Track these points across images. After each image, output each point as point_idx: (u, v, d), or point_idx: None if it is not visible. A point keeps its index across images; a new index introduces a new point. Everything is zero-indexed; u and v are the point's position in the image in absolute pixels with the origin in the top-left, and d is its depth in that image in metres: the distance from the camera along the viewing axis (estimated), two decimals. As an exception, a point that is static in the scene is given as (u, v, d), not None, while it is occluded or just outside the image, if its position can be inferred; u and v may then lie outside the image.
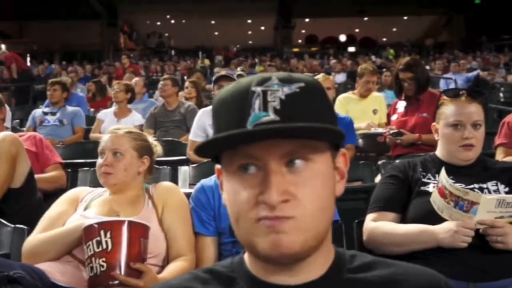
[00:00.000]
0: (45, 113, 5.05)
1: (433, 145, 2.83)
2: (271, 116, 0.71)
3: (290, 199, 0.72)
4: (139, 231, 1.67)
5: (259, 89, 0.73)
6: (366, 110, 4.48)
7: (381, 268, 0.80)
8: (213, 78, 3.99)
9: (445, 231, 1.69)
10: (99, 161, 2.00)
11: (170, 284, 0.82)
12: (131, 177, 2.00)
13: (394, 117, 3.67)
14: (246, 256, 0.82)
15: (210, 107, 3.77)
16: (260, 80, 0.74)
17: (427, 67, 10.63)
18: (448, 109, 1.96)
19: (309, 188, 0.73)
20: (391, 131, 3.45)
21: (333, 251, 0.81)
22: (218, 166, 0.82)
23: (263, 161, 0.72)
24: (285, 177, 0.72)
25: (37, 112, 5.20)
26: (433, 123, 2.05)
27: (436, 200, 1.76)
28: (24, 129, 4.96)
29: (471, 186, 1.86)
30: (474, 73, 9.15)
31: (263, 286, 0.77)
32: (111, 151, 1.98)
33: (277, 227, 0.71)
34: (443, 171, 1.76)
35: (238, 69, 10.19)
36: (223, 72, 4.47)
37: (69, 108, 5.16)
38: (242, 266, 0.81)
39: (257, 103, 0.72)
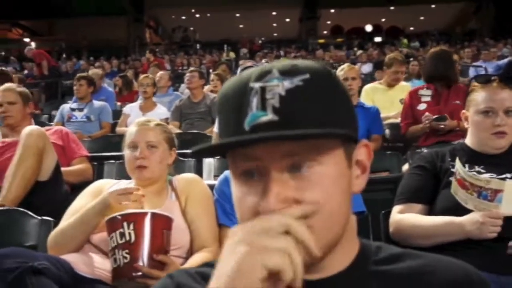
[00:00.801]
0: (73, 109, 5.10)
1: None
2: (269, 115, 0.66)
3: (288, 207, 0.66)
4: (162, 223, 1.66)
5: (257, 86, 0.67)
6: (394, 99, 4.42)
7: (408, 259, 0.76)
8: (239, 69, 3.98)
9: (472, 222, 1.64)
10: (130, 154, 1.97)
11: (197, 269, 0.80)
12: (164, 169, 1.99)
13: (421, 106, 3.58)
14: None
15: None
16: (259, 74, 0.68)
17: (455, 56, 10.41)
18: (479, 96, 1.89)
19: (318, 192, 0.67)
20: (434, 116, 3.36)
21: (358, 243, 0.78)
22: None
23: (263, 162, 0.67)
24: (287, 184, 0.67)
25: (65, 107, 5.24)
26: (463, 111, 1.98)
27: (458, 192, 1.71)
28: (53, 123, 5.04)
29: (503, 176, 1.79)
30: (505, 60, 8.89)
31: None
32: (145, 144, 1.97)
33: None
34: (458, 162, 1.70)
35: (263, 61, 10.15)
36: (249, 63, 4.45)
37: (96, 104, 5.19)
38: None
39: (255, 101, 0.67)
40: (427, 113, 3.42)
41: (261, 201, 0.66)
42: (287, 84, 0.67)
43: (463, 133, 3.13)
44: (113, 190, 1.83)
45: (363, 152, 0.76)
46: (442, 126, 3.33)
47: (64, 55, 18.98)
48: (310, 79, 0.68)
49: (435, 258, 0.78)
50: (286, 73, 0.68)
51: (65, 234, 1.81)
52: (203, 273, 0.77)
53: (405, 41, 18.99)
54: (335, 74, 0.72)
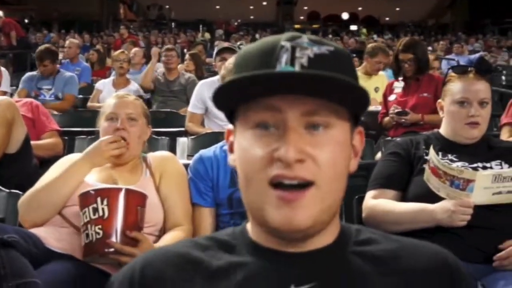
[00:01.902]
0: (40, 88, 4.69)
1: (435, 126, 2.80)
2: (297, 71, 0.68)
3: (306, 160, 0.69)
4: (136, 200, 1.64)
5: (288, 44, 0.70)
6: (370, 88, 4.45)
7: (387, 242, 0.78)
8: (215, 50, 3.93)
9: (443, 210, 1.68)
10: (108, 126, 1.91)
11: (169, 248, 0.80)
12: (140, 145, 1.96)
13: (392, 97, 3.62)
14: (248, 226, 0.80)
15: (210, 79, 3.73)
16: (290, 36, 0.72)
17: (429, 48, 10.56)
18: (455, 86, 1.92)
19: (328, 152, 0.70)
20: (396, 110, 3.41)
21: (339, 225, 0.79)
22: (229, 127, 0.79)
23: (283, 115, 0.69)
24: (303, 137, 0.69)
25: (33, 79, 4.74)
26: (439, 100, 2.00)
27: (430, 180, 1.74)
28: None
29: (475, 165, 1.83)
30: (477, 55, 9.08)
31: (265, 252, 0.75)
32: (125, 116, 1.92)
33: (292, 201, 0.69)
34: (431, 151, 1.73)
35: (238, 43, 10.08)
36: (226, 44, 4.41)
37: (62, 78, 4.71)
38: (244, 234, 0.79)
39: (284, 57, 0.69)
40: (393, 106, 3.47)
41: (280, 150, 0.68)
42: (316, 49, 0.70)
43: (429, 126, 3.19)
44: (102, 139, 1.83)
45: (357, 138, 0.79)
46: (403, 120, 3.39)
47: (33, 26, 18.39)
48: (335, 51, 0.72)
49: (413, 242, 0.80)
50: (315, 41, 0.71)
51: (40, 196, 1.76)
52: (171, 254, 0.77)
53: (364, 31, 19.14)
54: (351, 57, 0.77)
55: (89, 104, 4.93)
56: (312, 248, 0.74)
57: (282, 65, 0.69)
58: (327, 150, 0.70)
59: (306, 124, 0.70)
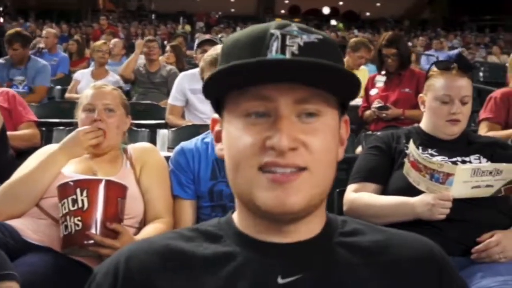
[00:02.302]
0: (11, 80, 4.45)
1: (415, 121, 2.83)
2: (289, 58, 0.68)
3: (299, 148, 0.69)
4: (116, 191, 1.62)
5: (278, 32, 0.70)
6: None
7: (372, 233, 0.78)
8: (197, 42, 3.90)
9: (423, 204, 1.69)
10: (85, 117, 1.89)
11: (154, 240, 0.78)
12: (119, 136, 1.93)
13: (373, 92, 3.64)
14: (234, 216, 0.79)
15: (190, 71, 3.71)
16: (280, 24, 0.71)
17: (409, 43, 10.66)
18: (437, 82, 1.93)
19: (321, 139, 0.70)
20: (377, 105, 3.43)
21: (325, 216, 0.79)
22: (215, 116, 0.78)
23: (274, 103, 0.69)
24: (295, 125, 0.69)
25: (1, 65, 4.48)
26: (420, 94, 2.02)
27: (410, 173, 1.75)
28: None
29: (454, 159, 1.85)
30: (455, 51, 9.18)
31: (251, 242, 0.74)
32: (102, 106, 1.89)
33: (285, 183, 0.68)
34: (411, 145, 1.75)
35: (219, 36, 10.03)
36: (208, 36, 4.38)
37: (34, 68, 4.46)
38: (230, 224, 0.78)
39: (275, 45, 0.69)
40: (376, 100, 3.49)
41: (273, 138, 0.68)
42: (305, 37, 0.70)
43: (410, 121, 3.23)
44: (79, 129, 1.81)
45: (343, 126, 0.79)
46: (384, 114, 3.41)
47: (8, 15, 17.98)
48: (323, 39, 0.72)
49: (398, 233, 0.80)
50: (303, 30, 0.72)
51: (16, 187, 1.73)
52: (156, 246, 0.76)
53: (340, 25, 19.23)
54: (338, 45, 0.76)
55: (67, 95, 4.85)
56: (299, 239, 0.74)
57: (273, 53, 0.68)
58: (320, 137, 0.70)
59: (298, 112, 0.70)
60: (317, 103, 0.70)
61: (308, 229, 0.75)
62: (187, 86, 3.51)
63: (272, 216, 0.70)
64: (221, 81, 0.69)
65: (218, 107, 0.76)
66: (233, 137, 0.71)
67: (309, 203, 0.70)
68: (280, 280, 0.71)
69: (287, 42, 0.69)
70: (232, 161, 0.72)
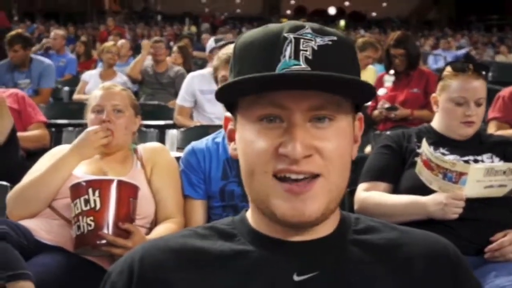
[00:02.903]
0: (16, 84, 4.28)
1: (423, 121, 2.81)
2: (302, 65, 0.67)
3: (312, 155, 0.69)
4: (128, 191, 1.62)
5: (291, 36, 0.69)
6: None
7: (386, 231, 0.78)
8: (219, 43, 3.89)
9: (435, 203, 1.68)
10: (94, 118, 1.88)
11: (168, 238, 0.79)
12: (128, 136, 1.93)
13: (381, 92, 3.63)
14: (248, 214, 0.79)
15: (198, 72, 3.72)
16: (293, 27, 0.70)
17: (417, 43, 10.62)
18: (452, 83, 1.89)
19: (335, 145, 0.70)
20: (385, 105, 3.42)
21: (339, 214, 0.79)
22: (227, 114, 0.78)
23: (288, 111, 0.68)
24: (309, 131, 0.69)
25: (3, 67, 4.39)
26: (434, 94, 2.00)
27: (423, 173, 1.74)
28: (3, 86, 4.67)
29: (466, 158, 1.84)
30: (463, 51, 9.16)
31: (266, 241, 0.74)
32: (111, 107, 1.88)
33: (301, 193, 0.68)
34: (424, 143, 1.74)
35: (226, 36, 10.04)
36: (230, 35, 4.39)
37: (37, 71, 4.35)
38: (244, 223, 0.78)
39: (288, 50, 0.68)
40: (382, 101, 3.47)
41: (287, 146, 0.67)
42: (319, 40, 0.69)
43: (418, 121, 3.21)
44: (88, 130, 1.81)
45: (357, 124, 0.79)
46: (393, 115, 3.40)
47: (16, 17, 18.08)
48: (338, 41, 0.71)
49: (412, 231, 0.80)
50: (317, 31, 0.70)
51: (28, 190, 1.73)
52: (171, 244, 0.76)
53: (341, 24, 19.13)
54: (353, 43, 0.76)
55: (75, 96, 4.87)
56: (314, 238, 0.74)
57: (287, 58, 0.68)
58: (334, 143, 0.70)
59: (311, 118, 0.69)
60: (332, 110, 0.70)
61: (323, 227, 0.75)
62: (197, 87, 3.51)
63: (289, 224, 0.71)
64: (234, 88, 0.69)
65: (231, 108, 0.76)
66: (247, 142, 0.71)
67: (326, 209, 0.70)
68: (296, 278, 0.71)
69: (301, 47, 0.68)
70: (246, 166, 0.72)
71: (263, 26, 0.74)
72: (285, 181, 0.69)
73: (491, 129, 2.86)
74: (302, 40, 0.69)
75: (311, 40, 0.69)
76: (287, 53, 0.68)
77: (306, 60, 0.68)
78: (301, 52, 0.68)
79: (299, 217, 0.69)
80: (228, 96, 0.72)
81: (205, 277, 0.72)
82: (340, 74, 0.66)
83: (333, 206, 0.72)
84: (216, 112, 3.28)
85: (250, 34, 0.74)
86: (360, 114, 0.79)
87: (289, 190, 0.69)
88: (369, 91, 0.69)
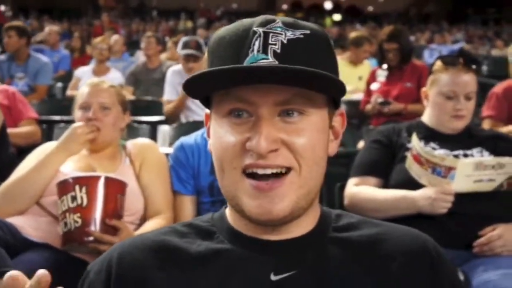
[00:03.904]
0: (11, 76, 4.44)
1: (417, 115, 2.81)
2: (270, 59, 0.67)
3: (280, 148, 0.68)
4: (116, 188, 1.61)
5: (261, 30, 0.68)
6: (354, 77, 4.46)
7: (366, 227, 0.78)
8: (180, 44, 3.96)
9: (425, 198, 1.69)
10: (81, 116, 1.87)
11: (147, 236, 0.78)
12: (116, 133, 1.91)
13: (374, 86, 3.61)
14: (227, 211, 0.78)
15: (178, 66, 3.82)
16: (264, 21, 0.70)
17: (412, 37, 10.61)
18: (443, 77, 1.89)
19: (305, 138, 0.69)
20: (379, 100, 3.41)
21: (319, 210, 0.79)
22: (207, 111, 0.78)
23: (255, 106, 0.68)
24: (276, 125, 0.68)
25: (2, 60, 4.50)
26: (424, 88, 1.99)
27: (412, 167, 1.74)
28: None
29: (456, 153, 1.84)
30: (458, 45, 9.16)
31: (244, 239, 0.74)
32: (98, 105, 1.87)
33: (269, 191, 0.68)
34: (414, 138, 1.73)
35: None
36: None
37: (34, 66, 4.45)
38: (223, 220, 0.78)
39: (257, 44, 0.68)
40: (375, 95, 3.47)
41: (252, 141, 0.67)
42: (290, 34, 0.69)
43: (411, 116, 3.21)
44: (74, 125, 1.80)
45: (338, 120, 0.78)
46: (386, 110, 3.39)
47: (10, 12, 17.98)
48: (310, 34, 0.70)
49: (392, 227, 0.80)
50: (289, 25, 0.70)
51: (15, 187, 1.72)
52: (149, 242, 0.75)
53: (328, 20, 19.03)
54: (329, 37, 0.74)
55: (68, 92, 4.84)
56: (292, 236, 0.74)
57: (255, 53, 0.67)
58: (305, 136, 0.69)
59: (280, 112, 0.69)
60: (301, 104, 0.69)
61: (301, 226, 0.74)
62: (176, 80, 3.64)
63: (258, 222, 0.70)
64: (201, 84, 0.68)
65: (207, 103, 0.75)
66: (218, 136, 0.71)
67: (295, 206, 0.70)
68: (273, 277, 0.71)
69: (270, 41, 0.67)
70: (217, 161, 0.72)
71: (238, 21, 0.73)
72: (253, 178, 0.68)
73: (486, 127, 2.86)
74: (271, 34, 0.68)
75: (281, 34, 0.68)
76: (255, 47, 0.67)
77: (275, 54, 0.67)
78: (270, 46, 0.67)
79: (266, 215, 0.68)
80: (196, 91, 0.71)
81: (183, 276, 0.72)
82: (304, 68, 0.65)
83: (304, 203, 0.71)
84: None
85: (223, 29, 0.73)
86: (341, 110, 0.78)
87: (256, 188, 0.68)
88: (338, 86, 0.68)
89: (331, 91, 0.71)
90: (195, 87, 0.69)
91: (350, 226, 0.77)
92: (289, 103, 0.68)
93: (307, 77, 0.65)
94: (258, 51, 0.67)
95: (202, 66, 3.61)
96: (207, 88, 0.70)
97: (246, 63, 0.67)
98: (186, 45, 3.71)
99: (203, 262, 0.72)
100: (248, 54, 0.67)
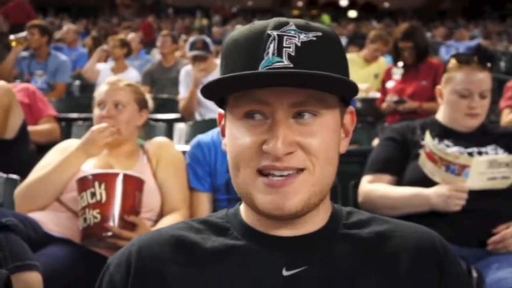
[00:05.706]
0: (31, 73, 4.56)
1: (432, 114, 2.80)
2: (285, 62, 0.69)
3: (295, 151, 0.70)
4: (133, 184, 1.65)
5: (275, 33, 0.70)
6: (369, 75, 4.43)
7: (375, 224, 0.80)
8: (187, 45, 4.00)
9: (438, 195, 1.69)
10: (97, 113, 1.92)
11: (165, 230, 0.81)
12: (131, 130, 1.95)
13: (390, 84, 3.60)
14: (242, 208, 0.81)
15: (190, 66, 3.84)
16: (277, 24, 0.71)
17: (428, 34, 10.50)
18: (457, 75, 1.88)
19: (319, 140, 0.71)
20: (393, 99, 3.40)
21: (331, 207, 0.80)
22: (220, 111, 0.80)
23: (271, 108, 0.70)
24: (292, 128, 0.70)
25: (23, 57, 4.59)
26: (438, 87, 1.99)
27: (426, 164, 1.75)
28: (18, 81, 4.78)
29: (470, 150, 1.84)
30: (475, 41, 9.04)
31: (257, 235, 0.76)
32: (112, 103, 1.90)
33: (281, 187, 0.70)
34: (428, 136, 1.73)
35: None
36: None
37: (54, 64, 4.56)
38: (237, 217, 0.80)
39: (271, 47, 0.69)
40: (390, 94, 3.45)
41: (269, 143, 0.69)
42: (303, 37, 0.70)
43: (426, 114, 3.19)
44: (93, 129, 1.82)
45: (348, 118, 0.80)
46: (401, 108, 3.38)
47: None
48: (322, 37, 0.72)
49: (401, 224, 0.81)
50: (302, 28, 0.71)
51: (35, 186, 1.76)
52: (167, 237, 0.78)
53: (325, 18, 18.76)
54: (339, 38, 0.76)
55: (84, 69, 4.89)
56: (303, 232, 0.76)
57: (270, 56, 0.69)
58: (318, 138, 0.71)
59: (294, 114, 0.71)
60: (315, 105, 0.71)
61: (313, 222, 0.76)
62: (190, 80, 3.66)
63: (271, 217, 0.73)
64: (218, 86, 0.70)
65: (222, 104, 0.77)
66: (233, 137, 0.73)
67: (307, 203, 0.72)
68: (285, 272, 0.73)
69: (284, 44, 0.69)
70: (232, 161, 0.74)
71: (250, 24, 0.75)
72: (266, 176, 0.71)
73: (506, 117, 2.85)
74: (285, 37, 0.70)
75: (295, 36, 0.70)
76: (270, 50, 0.69)
77: (289, 57, 0.69)
78: (284, 49, 0.69)
79: (279, 210, 0.71)
80: (212, 93, 0.73)
81: (198, 271, 0.74)
82: (320, 72, 0.67)
83: (316, 200, 0.73)
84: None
85: (237, 32, 0.75)
86: (351, 108, 0.80)
87: (269, 184, 0.70)
88: (350, 87, 0.70)
89: (344, 92, 0.73)
90: (212, 90, 0.71)
91: (360, 223, 0.79)
92: (304, 105, 0.70)
93: (322, 80, 0.67)
94: (273, 54, 0.69)
95: (210, 64, 3.68)
96: (224, 90, 0.72)
97: (261, 66, 0.69)
98: (192, 46, 3.78)
99: (217, 257, 0.75)
100: (263, 57, 0.69)
